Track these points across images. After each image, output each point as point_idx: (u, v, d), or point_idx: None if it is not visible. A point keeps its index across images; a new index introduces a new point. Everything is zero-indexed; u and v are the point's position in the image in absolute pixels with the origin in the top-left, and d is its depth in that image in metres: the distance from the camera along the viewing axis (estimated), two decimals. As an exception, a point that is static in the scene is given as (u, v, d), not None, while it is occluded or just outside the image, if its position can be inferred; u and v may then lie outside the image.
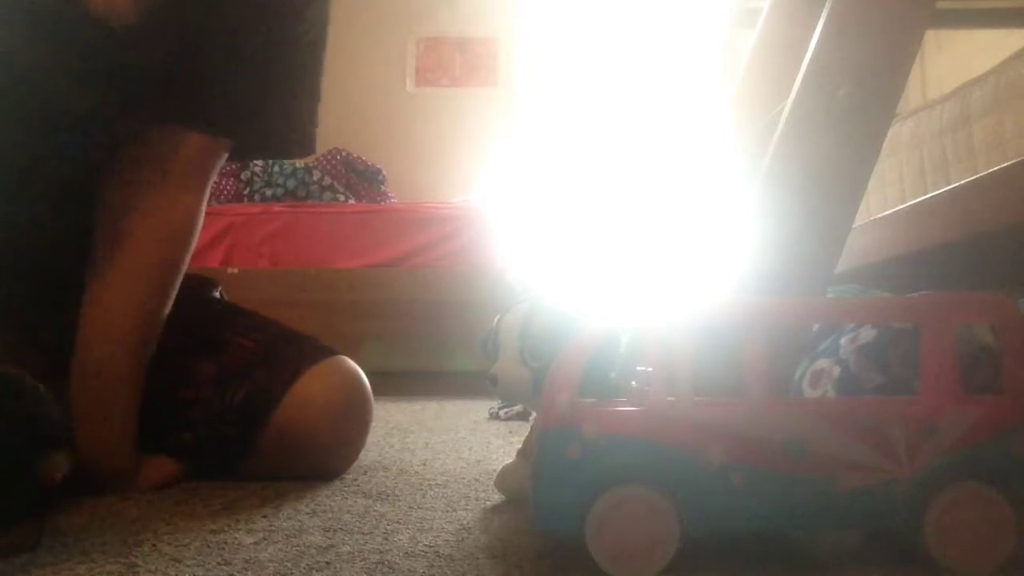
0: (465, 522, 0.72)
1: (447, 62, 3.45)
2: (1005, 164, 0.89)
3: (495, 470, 0.86)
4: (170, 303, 0.88)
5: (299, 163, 2.97)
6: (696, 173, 1.16)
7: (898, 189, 2.08)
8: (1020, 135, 1.65)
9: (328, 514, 0.74)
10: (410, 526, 0.70)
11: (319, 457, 0.92)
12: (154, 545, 0.64)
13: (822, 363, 0.87)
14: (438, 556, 0.61)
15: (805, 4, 1.01)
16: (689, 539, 0.55)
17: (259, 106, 0.90)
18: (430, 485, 0.89)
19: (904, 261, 1.08)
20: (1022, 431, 0.56)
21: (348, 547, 0.63)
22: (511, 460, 0.84)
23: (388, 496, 0.83)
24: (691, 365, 0.56)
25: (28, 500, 0.63)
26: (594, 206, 2.72)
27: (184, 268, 0.89)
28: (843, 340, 0.86)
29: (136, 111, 0.85)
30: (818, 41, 0.74)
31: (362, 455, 0.99)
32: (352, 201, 2.93)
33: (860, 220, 0.90)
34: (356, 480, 0.91)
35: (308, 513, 0.75)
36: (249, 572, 0.57)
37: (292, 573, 0.57)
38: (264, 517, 0.73)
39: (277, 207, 2.61)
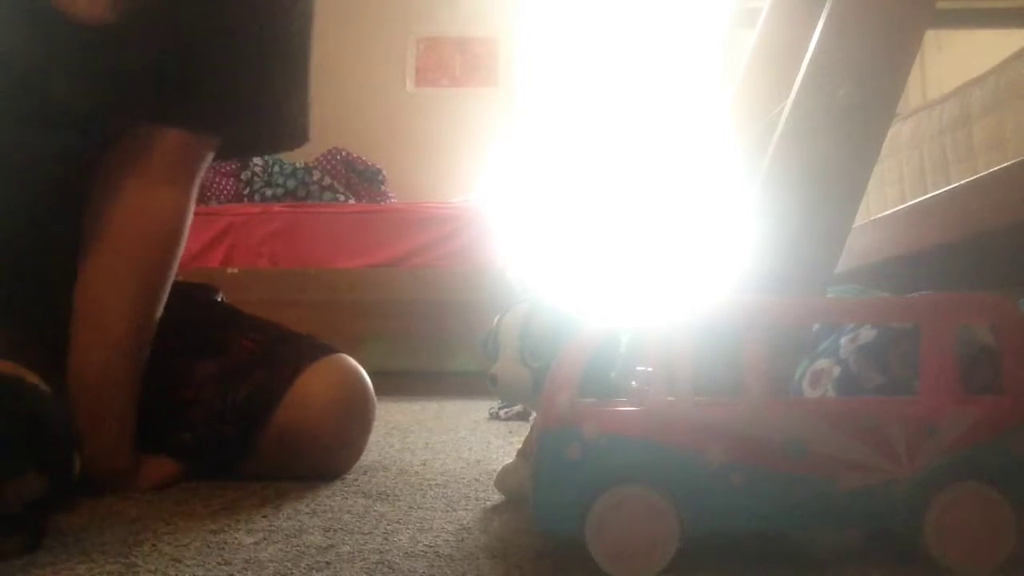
0: (465, 522, 0.72)
1: (447, 62, 3.46)
2: (1005, 164, 0.89)
3: (495, 470, 0.86)
4: (163, 303, 0.87)
5: (299, 163, 2.98)
6: (696, 173, 1.16)
7: (898, 189, 2.08)
8: (1020, 135, 1.65)
9: (328, 514, 0.74)
10: (410, 526, 0.70)
11: (320, 457, 0.92)
12: (154, 545, 0.64)
13: (822, 363, 0.87)
14: (438, 556, 0.61)
15: (805, 4, 1.00)
16: (689, 539, 0.55)
17: (247, 101, 0.90)
18: (430, 485, 0.89)
19: (904, 261, 1.08)
20: (1022, 431, 0.56)
21: (348, 547, 0.63)
22: (511, 460, 0.84)
23: (388, 496, 0.83)
24: (691, 365, 0.56)
25: (34, 502, 0.64)
26: (594, 206, 2.72)
27: (175, 266, 0.88)
28: (843, 340, 0.86)
29: (126, 110, 0.85)
30: (818, 41, 0.74)
31: (362, 455, 0.99)
32: (352, 201, 2.93)
33: (860, 220, 0.90)
34: (356, 480, 0.91)
35: (308, 513, 0.75)
36: (249, 572, 0.57)
37: (292, 573, 0.57)
38: (264, 517, 0.73)
39: (277, 207, 2.61)
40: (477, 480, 0.92)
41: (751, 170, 0.92)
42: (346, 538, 0.66)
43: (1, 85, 0.85)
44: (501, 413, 1.62)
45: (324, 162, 3.08)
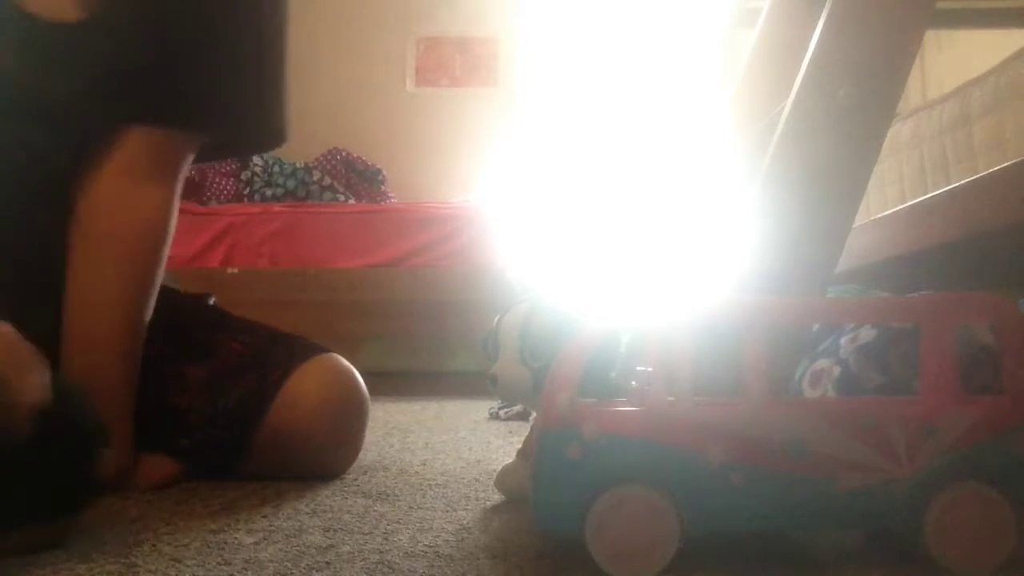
0: (465, 522, 0.72)
1: (447, 62, 3.45)
2: (1005, 164, 0.89)
3: (495, 470, 0.86)
4: (152, 302, 0.87)
5: (299, 163, 2.98)
6: (696, 173, 1.16)
7: (898, 189, 2.07)
8: (1020, 135, 1.65)
9: (328, 514, 0.74)
10: (410, 526, 0.70)
11: (316, 457, 0.92)
12: (154, 545, 0.64)
13: (822, 363, 0.87)
14: (438, 556, 0.61)
15: (805, 4, 1.00)
16: (689, 539, 0.55)
17: (227, 100, 0.90)
18: (430, 485, 0.89)
19: (904, 261, 1.08)
20: (1022, 431, 0.56)
21: (348, 547, 0.63)
22: (511, 460, 0.84)
23: (388, 496, 0.83)
24: (691, 365, 0.56)
25: (77, 496, 0.64)
26: (594, 206, 2.72)
27: (162, 264, 0.88)
28: (843, 340, 0.86)
29: (104, 108, 0.85)
30: (818, 41, 0.74)
31: (362, 455, 0.99)
32: (352, 201, 2.93)
33: (860, 220, 0.90)
34: (356, 480, 0.91)
35: (308, 513, 0.75)
36: (249, 572, 0.57)
37: (292, 573, 0.57)
38: (264, 517, 0.73)
39: (277, 207, 2.61)
40: (477, 480, 0.92)
41: (751, 170, 0.92)
42: (346, 538, 0.66)
43: None
44: (501, 413, 1.62)
45: (324, 162, 3.08)
